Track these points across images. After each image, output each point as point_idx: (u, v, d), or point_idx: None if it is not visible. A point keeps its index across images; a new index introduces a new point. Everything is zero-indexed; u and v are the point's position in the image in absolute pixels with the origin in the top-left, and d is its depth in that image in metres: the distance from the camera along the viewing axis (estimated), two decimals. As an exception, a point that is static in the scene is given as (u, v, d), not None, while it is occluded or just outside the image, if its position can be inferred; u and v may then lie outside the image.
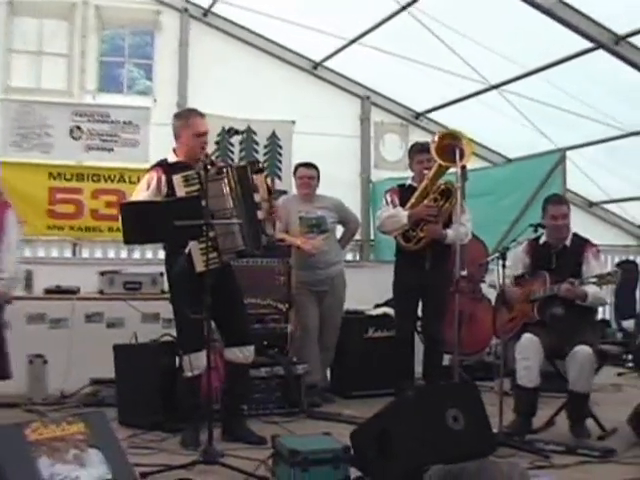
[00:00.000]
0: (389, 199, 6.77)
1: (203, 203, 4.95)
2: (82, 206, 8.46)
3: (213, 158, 5.52)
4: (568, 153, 8.58)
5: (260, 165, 5.62)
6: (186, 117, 5.59)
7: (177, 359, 5.70)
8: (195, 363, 5.23)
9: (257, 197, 5.34)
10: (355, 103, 10.07)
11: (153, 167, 5.53)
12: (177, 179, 5.13)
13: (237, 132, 5.46)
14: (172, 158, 5.56)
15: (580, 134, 9.28)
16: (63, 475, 3.70)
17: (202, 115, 5.59)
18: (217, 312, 4.99)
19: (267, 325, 6.74)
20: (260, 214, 5.33)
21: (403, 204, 6.66)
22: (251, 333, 5.76)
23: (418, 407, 4.47)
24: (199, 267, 5.08)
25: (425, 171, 6.61)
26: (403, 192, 6.78)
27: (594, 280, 5.58)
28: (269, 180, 5.70)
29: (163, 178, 5.32)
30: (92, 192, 8.50)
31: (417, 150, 6.84)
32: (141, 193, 5.34)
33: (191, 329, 5.16)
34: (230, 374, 5.06)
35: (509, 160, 10.14)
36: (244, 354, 5.47)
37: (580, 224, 9.24)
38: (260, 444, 5.31)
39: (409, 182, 6.89)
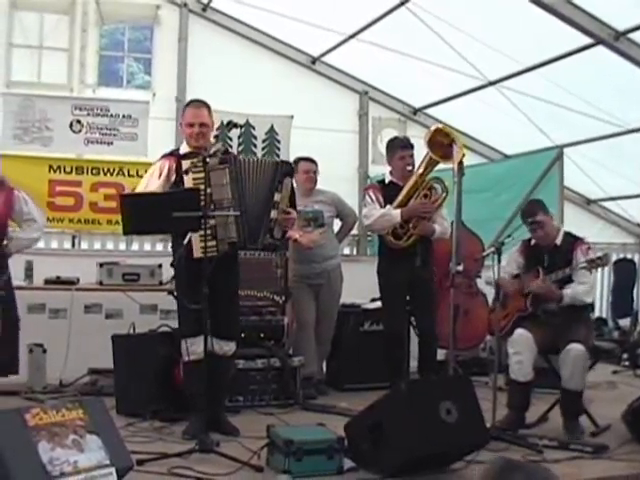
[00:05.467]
0: (373, 197, 6.62)
1: (209, 191, 5.06)
2: (81, 199, 8.50)
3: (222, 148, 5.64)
4: (567, 150, 8.61)
5: (291, 167, 5.68)
6: (185, 107, 5.68)
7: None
8: (191, 348, 5.27)
9: (277, 196, 5.38)
10: (353, 98, 10.13)
11: (164, 156, 5.58)
12: (186, 164, 5.19)
13: (236, 125, 5.50)
14: (183, 149, 5.62)
15: (579, 131, 9.31)
16: (62, 459, 3.73)
17: (198, 106, 5.55)
18: (209, 302, 5.00)
19: (264, 317, 6.77)
20: (274, 213, 5.37)
21: (387, 201, 6.58)
22: (236, 330, 5.77)
23: (411, 400, 4.54)
24: (196, 253, 5.15)
25: (408, 167, 6.59)
26: (385, 188, 6.69)
27: (584, 265, 5.65)
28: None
29: (173, 166, 5.38)
30: (91, 185, 8.54)
31: (399, 145, 6.72)
32: (153, 180, 5.40)
33: (189, 316, 5.23)
34: (209, 364, 5.10)
35: (506, 157, 10.18)
36: (223, 348, 5.47)
37: (578, 222, 9.38)
38: (233, 435, 5.39)
39: (389, 178, 6.80)
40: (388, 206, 6.55)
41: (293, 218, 5.56)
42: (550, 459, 4.88)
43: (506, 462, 4.12)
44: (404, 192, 6.54)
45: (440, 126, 6.75)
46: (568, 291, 5.70)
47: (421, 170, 6.48)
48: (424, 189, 6.52)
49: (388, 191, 6.63)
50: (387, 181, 6.79)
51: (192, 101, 5.70)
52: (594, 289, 6.20)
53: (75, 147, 8.68)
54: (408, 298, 6.75)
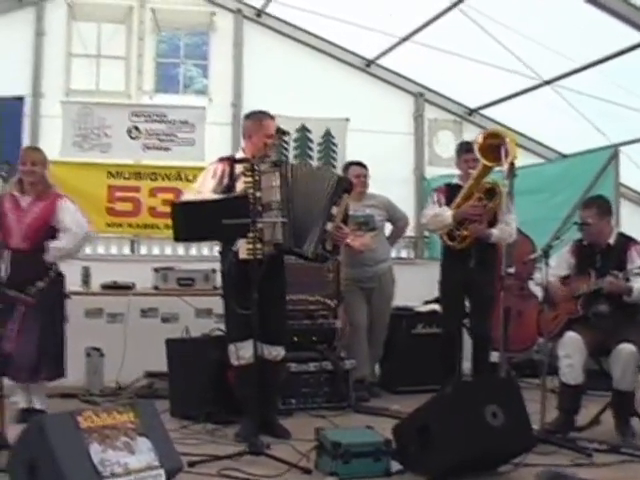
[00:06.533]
0: (435, 198, 6.85)
1: (258, 195, 5.17)
2: (140, 204, 8.60)
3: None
4: (624, 148, 8.46)
5: (351, 184, 5.82)
6: (259, 118, 5.77)
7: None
8: (240, 352, 5.36)
9: (335, 210, 5.49)
10: (408, 100, 10.07)
11: (220, 159, 5.74)
12: (239, 168, 5.36)
13: (284, 132, 5.62)
14: (239, 155, 5.79)
15: (637, 129, 9.17)
16: (113, 461, 3.85)
17: (273, 117, 5.80)
18: (258, 307, 5.06)
19: (316, 321, 6.84)
20: (330, 225, 5.47)
21: (450, 202, 6.72)
22: (284, 335, 5.83)
23: (457, 403, 4.57)
24: (242, 254, 5.26)
25: (470, 170, 6.65)
26: (450, 191, 6.84)
27: (638, 271, 5.59)
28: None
29: (227, 170, 5.54)
30: (150, 190, 8.64)
31: (463, 149, 6.88)
32: (208, 180, 5.58)
33: (237, 320, 5.31)
34: (260, 369, 5.18)
35: (563, 156, 10.08)
36: (272, 353, 5.55)
37: (637, 221, 9.20)
38: (285, 437, 5.47)
39: (456, 181, 6.95)
40: (444, 207, 6.66)
41: (347, 234, 5.71)
42: (599, 462, 4.85)
43: (553, 475, 4.14)
44: (461, 194, 6.68)
45: (489, 130, 6.81)
46: (636, 285, 5.64)
47: (476, 174, 6.56)
48: (479, 192, 6.59)
49: (453, 193, 6.77)
50: (454, 183, 6.93)
51: (264, 112, 5.84)
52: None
53: (133, 153, 8.79)
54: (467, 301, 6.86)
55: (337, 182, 5.56)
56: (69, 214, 6.14)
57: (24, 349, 5.79)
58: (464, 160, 6.79)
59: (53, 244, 6.05)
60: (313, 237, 5.42)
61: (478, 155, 6.36)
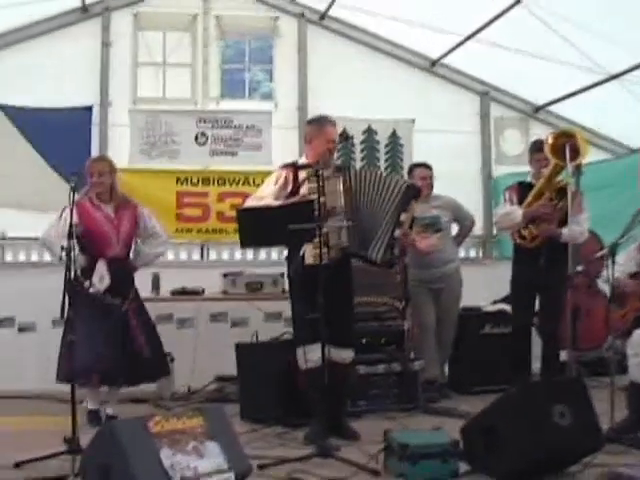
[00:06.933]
0: (507, 197, 6.91)
1: (322, 200, 5.29)
2: (209, 209, 8.72)
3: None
4: (697, 140, 8.36)
5: (419, 192, 5.90)
6: (321, 124, 5.86)
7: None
8: (308, 355, 5.41)
9: (403, 216, 5.54)
10: (474, 99, 10.00)
11: (283, 166, 5.82)
12: (303, 174, 5.49)
13: (347, 137, 5.68)
14: (302, 161, 5.85)
15: None
16: (183, 465, 3.93)
17: (334, 123, 5.87)
18: (326, 310, 5.11)
19: (384, 323, 6.86)
20: (398, 232, 5.53)
21: (522, 201, 6.72)
22: (353, 336, 5.88)
23: (524, 403, 4.53)
24: (308, 260, 5.36)
25: (543, 169, 6.62)
26: (522, 189, 6.85)
27: None
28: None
29: (290, 176, 5.62)
30: (218, 195, 8.75)
31: (535, 149, 6.87)
32: (268, 187, 5.70)
33: (305, 324, 5.38)
34: (329, 371, 5.22)
35: (633, 151, 9.92)
36: (341, 356, 5.60)
37: None
38: (354, 439, 5.50)
39: (529, 179, 6.96)
40: (515, 206, 6.68)
41: (414, 239, 5.90)
42: (670, 463, 4.76)
43: (614, 475, 4.09)
44: (532, 193, 6.71)
45: (561, 130, 6.80)
46: None
47: (548, 173, 6.54)
48: (550, 191, 6.58)
49: (525, 192, 6.79)
50: (526, 182, 6.96)
51: (327, 118, 5.92)
52: None
53: (201, 159, 8.90)
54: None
55: (406, 189, 5.60)
56: (155, 220, 6.36)
57: (149, 350, 6.11)
58: (536, 159, 6.80)
59: (151, 249, 6.30)
60: (378, 242, 5.47)
61: (548, 155, 6.33)
